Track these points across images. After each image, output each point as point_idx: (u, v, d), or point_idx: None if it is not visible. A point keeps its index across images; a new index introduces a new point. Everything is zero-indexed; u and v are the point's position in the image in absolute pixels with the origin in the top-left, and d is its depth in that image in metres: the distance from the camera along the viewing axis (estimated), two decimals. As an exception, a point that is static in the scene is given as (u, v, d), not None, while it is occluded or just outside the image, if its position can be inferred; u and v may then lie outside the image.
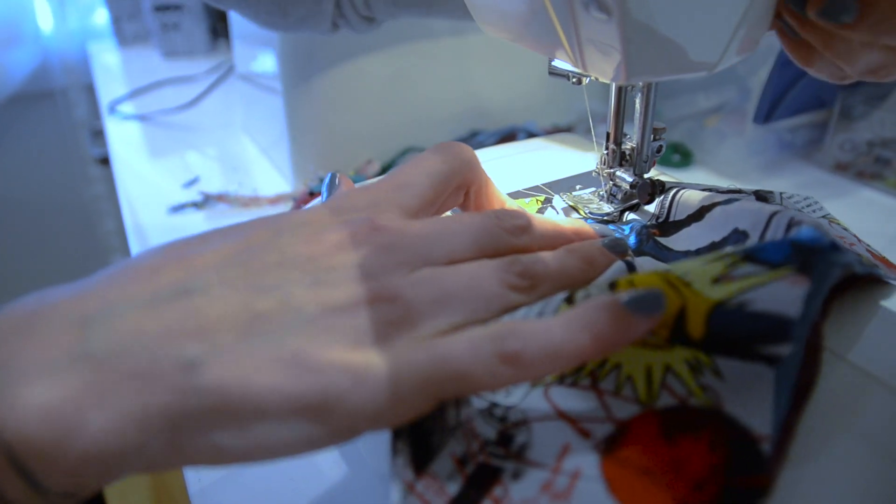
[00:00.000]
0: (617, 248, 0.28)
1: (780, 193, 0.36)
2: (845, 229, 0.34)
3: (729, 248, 0.24)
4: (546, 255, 0.26)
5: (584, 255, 0.27)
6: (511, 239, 0.26)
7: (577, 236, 0.29)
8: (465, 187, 0.29)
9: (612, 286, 0.23)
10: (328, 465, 0.31)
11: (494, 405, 0.24)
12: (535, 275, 0.24)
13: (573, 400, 0.24)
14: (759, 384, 0.22)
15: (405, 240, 0.23)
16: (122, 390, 0.17)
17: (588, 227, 0.30)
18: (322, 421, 0.19)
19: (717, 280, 0.22)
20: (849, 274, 0.26)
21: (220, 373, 0.18)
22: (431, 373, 0.20)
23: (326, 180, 0.30)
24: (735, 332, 0.21)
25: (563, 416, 0.23)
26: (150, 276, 0.20)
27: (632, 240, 0.34)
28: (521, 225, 0.27)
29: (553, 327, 0.21)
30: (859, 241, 0.32)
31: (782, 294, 0.21)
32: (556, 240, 0.28)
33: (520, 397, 0.24)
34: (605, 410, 0.23)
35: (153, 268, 0.20)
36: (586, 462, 0.21)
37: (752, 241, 0.30)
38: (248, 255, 0.21)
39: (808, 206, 0.36)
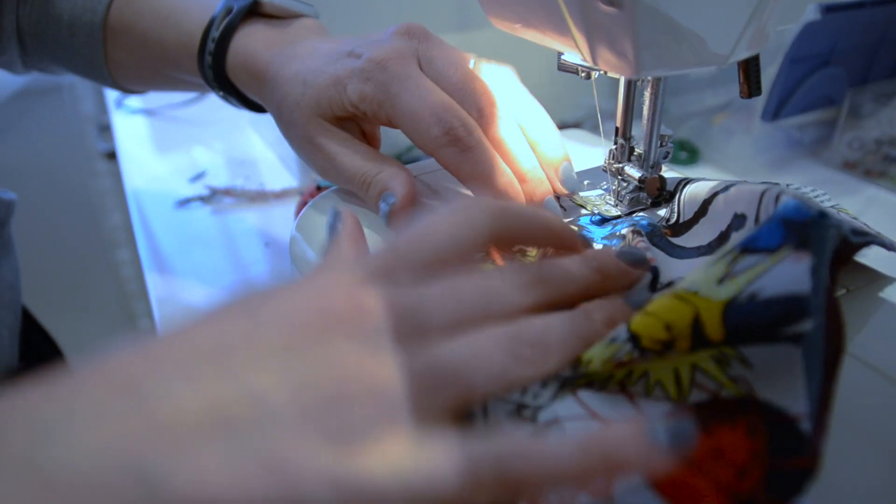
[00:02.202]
0: (641, 262, 0.27)
1: (787, 185, 0.36)
2: (854, 219, 0.33)
3: (726, 247, 0.24)
4: (554, 322, 0.24)
5: (604, 313, 0.25)
6: (519, 298, 0.24)
7: (595, 274, 0.26)
8: (494, 244, 0.26)
9: (634, 340, 0.22)
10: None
11: (523, 406, 0.24)
12: (548, 344, 0.23)
13: (604, 403, 0.23)
14: (787, 364, 0.21)
15: (394, 316, 0.21)
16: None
17: (608, 257, 0.27)
18: None
19: (721, 280, 0.22)
20: (843, 238, 0.26)
21: (179, 485, 0.16)
22: (420, 486, 0.18)
23: (329, 219, 0.28)
24: (754, 323, 0.21)
25: (595, 416, 0.23)
26: (115, 379, 0.18)
27: (643, 223, 0.34)
28: (527, 281, 0.24)
29: (567, 455, 0.19)
30: (870, 230, 0.32)
31: (788, 274, 0.21)
32: (572, 285, 0.26)
33: (548, 399, 0.23)
34: (637, 411, 0.23)
35: (119, 370, 0.18)
36: None
37: (749, 221, 0.29)
38: (221, 349, 0.19)
39: (816, 197, 0.36)
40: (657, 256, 0.31)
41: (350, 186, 0.37)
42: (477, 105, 0.34)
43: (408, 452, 0.18)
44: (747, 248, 0.23)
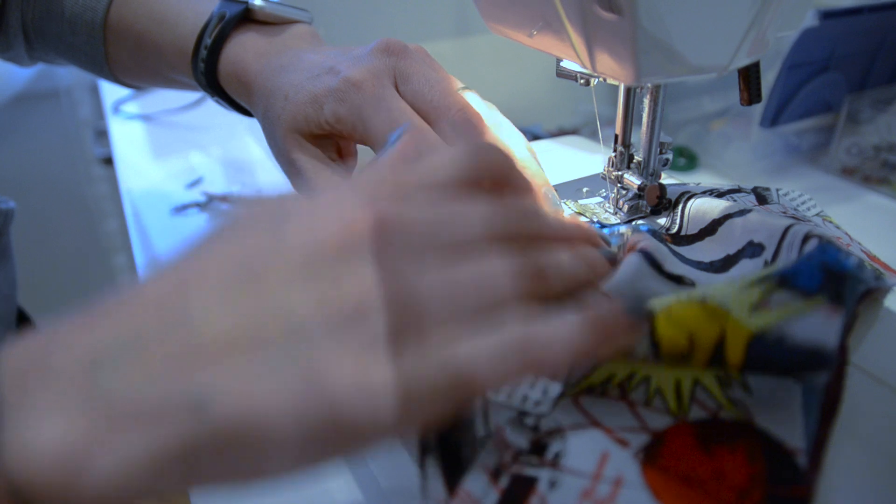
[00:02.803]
0: (610, 258, 0.28)
1: (777, 190, 0.36)
2: (838, 227, 0.34)
3: (762, 272, 0.24)
4: (561, 258, 0.25)
5: (591, 262, 0.26)
6: (524, 223, 0.25)
7: (582, 235, 0.28)
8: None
9: (650, 316, 0.23)
10: (338, 485, 0.31)
11: (524, 414, 0.24)
12: (549, 278, 0.24)
13: (604, 410, 0.23)
14: (786, 399, 0.22)
15: (410, 230, 0.22)
16: (131, 432, 0.17)
17: (592, 229, 0.29)
18: (334, 440, 0.19)
19: (755, 307, 0.22)
20: (866, 292, 0.27)
21: (227, 405, 0.18)
22: (445, 385, 0.19)
23: (392, 137, 0.28)
24: (774, 362, 0.22)
25: (596, 424, 0.23)
26: (153, 305, 0.19)
27: (644, 227, 0.34)
28: (534, 210, 0.25)
29: (568, 331, 0.20)
30: (852, 240, 0.33)
31: (819, 327, 0.22)
32: (563, 233, 0.27)
33: (549, 406, 0.23)
34: (638, 420, 0.23)
35: (155, 296, 0.20)
36: (627, 470, 0.21)
37: (768, 253, 0.30)
38: (248, 267, 0.20)
39: (802, 203, 0.36)
40: (659, 250, 0.31)
41: None
42: (452, 120, 0.34)
43: (437, 361, 0.20)
44: (786, 281, 0.23)
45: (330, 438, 0.19)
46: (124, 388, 0.18)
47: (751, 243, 0.30)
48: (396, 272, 0.21)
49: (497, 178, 0.26)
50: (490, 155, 0.25)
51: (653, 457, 0.22)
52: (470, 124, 0.34)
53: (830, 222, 0.34)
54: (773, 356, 0.21)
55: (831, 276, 0.23)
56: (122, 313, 0.19)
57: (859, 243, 0.32)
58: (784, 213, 0.33)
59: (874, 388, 0.27)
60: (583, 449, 0.22)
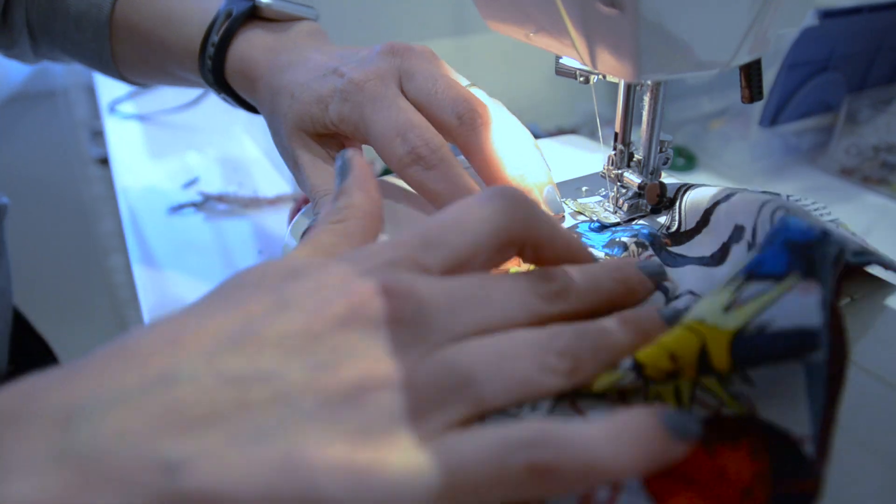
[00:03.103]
0: (659, 276, 0.27)
1: (787, 197, 0.35)
2: (853, 234, 0.33)
3: (731, 274, 0.24)
4: (590, 329, 0.23)
5: (636, 326, 0.23)
6: (547, 307, 0.23)
7: (620, 286, 0.26)
8: (516, 245, 0.24)
9: (638, 369, 0.22)
10: None
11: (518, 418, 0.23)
12: (578, 356, 0.22)
13: (602, 413, 0.23)
14: (790, 382, 0.21)
15: (422, 310, 0.21)
16: (103, 493, 0.16)
17: (632, 269, 0.27)
18: None
19: (727, 308, 0.22)
20: (845, 259, 0.26)
21: (204, 476, 0.17)
22: (443, 481, 0.18)
23: (338, 164, 0.28)
24: (762, 356, 0.21)
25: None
26: (140, 361, 0.19)
27: (645, 232, 0.34)
28: (556, 290, 0.23)
29: (594, 437, 0.18)
30: (869, 247, 0.32)
31: (797, 306, 0.21)
32: (599, 296, 0.25)
33: (546, 410, 0.23)
34: None
35: (144, 352, 0.19)
36: None
37: (747, 233, 0.29)
38: (244, 333, 0.19)
39: (815, 210, 0.36)
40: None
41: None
42: (456, 111, 0.34)
43: (437, 452, 0.18)
44: (752, 273, 0.22)
45: None
46: (97, 445, 0.17)
47: (736, 227, 0.30)
48: (400, 353, 0.19)
49: (529, 241, 0.24)
50: (520, 212, 0.23)
51: None
52: (476, 114, 0.34)
53: (845, 229, 0.34)
54: (760, 349, 0.21)
55: (797, 251, 0.22)
56: (106, 367, 0.18)
57: (875, 251, 0.32)
58: None
59: (877, 387, 0.27)
60: None
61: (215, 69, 0.43)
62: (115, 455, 0.17)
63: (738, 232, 0.30)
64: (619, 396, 0.23)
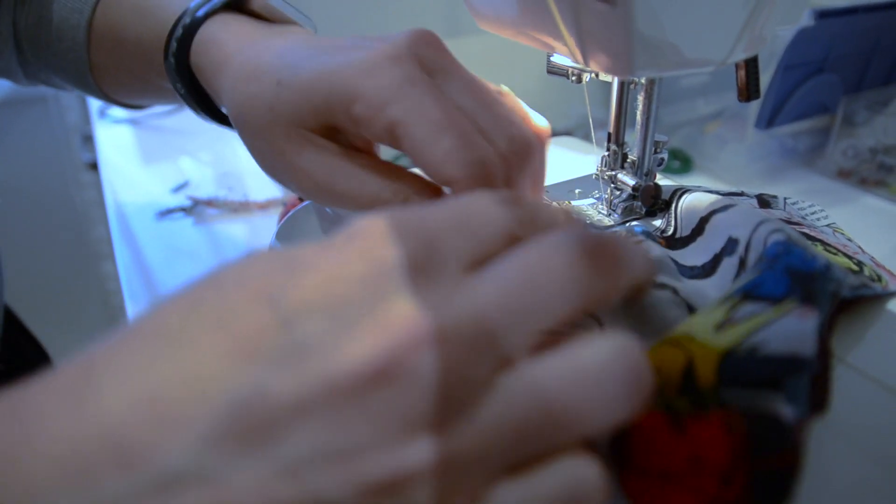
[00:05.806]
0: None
1: (785, 199, 0.35)
2: (850, 240, 0.33)
3: (726, 292, 0.23)
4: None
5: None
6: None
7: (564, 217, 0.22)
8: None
9: None
10: None
11: None
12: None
13: None
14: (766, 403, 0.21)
15: (458, 357, 0.16)
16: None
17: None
18: None
19: (720, 326, 0.21)
20: (839, 292, 0.26)
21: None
22: None
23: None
24: (750, 379, 0.20)
25: None
26: (61, 389, 0.17)
27: (638, 229, 0.33)
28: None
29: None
30: (863, 251, 0.32)
31: (793, 331, 0.20)
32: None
33: None
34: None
35: (64, 381, 0.17)
36: None
37: (740, 247, 0.29)
38: (235, 354, 0.16)
39: (812, 213, 0.35)
40: (655, 251, 0.30)
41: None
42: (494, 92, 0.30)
43: None
44: (749, 293, 0.22)
45: None
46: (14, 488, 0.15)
47: (730, 239, 0.29)
48: (437, 426, 0.16)
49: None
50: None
51: (623, 454, 0.20)
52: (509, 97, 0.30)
53: (841, 234, 0.33)
54: (748, 373, 0.20)
55: (798, 278, 0.22)
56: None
57: (871, 256, 0.31)
58: (788, 219, 0.32)
59: (874, 391, 0.26)
60: None
61: (179, 54, 0.36)
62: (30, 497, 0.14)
63: (731, 244, 0.29)
64: None
